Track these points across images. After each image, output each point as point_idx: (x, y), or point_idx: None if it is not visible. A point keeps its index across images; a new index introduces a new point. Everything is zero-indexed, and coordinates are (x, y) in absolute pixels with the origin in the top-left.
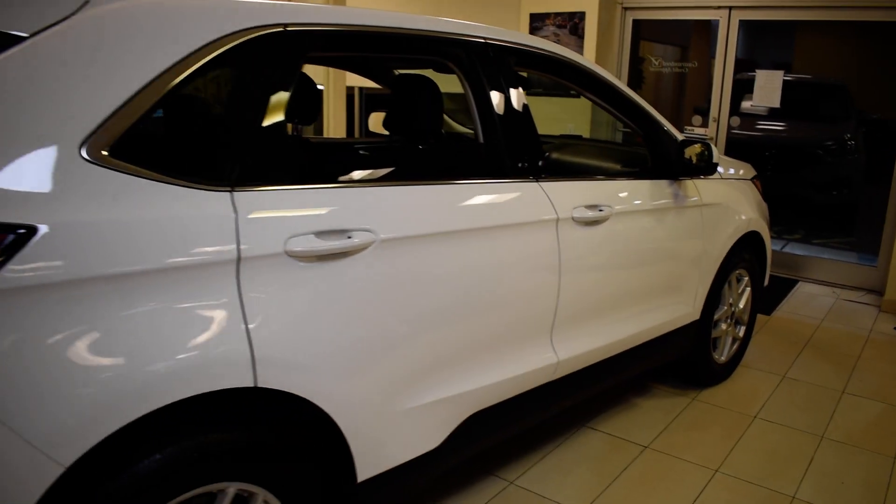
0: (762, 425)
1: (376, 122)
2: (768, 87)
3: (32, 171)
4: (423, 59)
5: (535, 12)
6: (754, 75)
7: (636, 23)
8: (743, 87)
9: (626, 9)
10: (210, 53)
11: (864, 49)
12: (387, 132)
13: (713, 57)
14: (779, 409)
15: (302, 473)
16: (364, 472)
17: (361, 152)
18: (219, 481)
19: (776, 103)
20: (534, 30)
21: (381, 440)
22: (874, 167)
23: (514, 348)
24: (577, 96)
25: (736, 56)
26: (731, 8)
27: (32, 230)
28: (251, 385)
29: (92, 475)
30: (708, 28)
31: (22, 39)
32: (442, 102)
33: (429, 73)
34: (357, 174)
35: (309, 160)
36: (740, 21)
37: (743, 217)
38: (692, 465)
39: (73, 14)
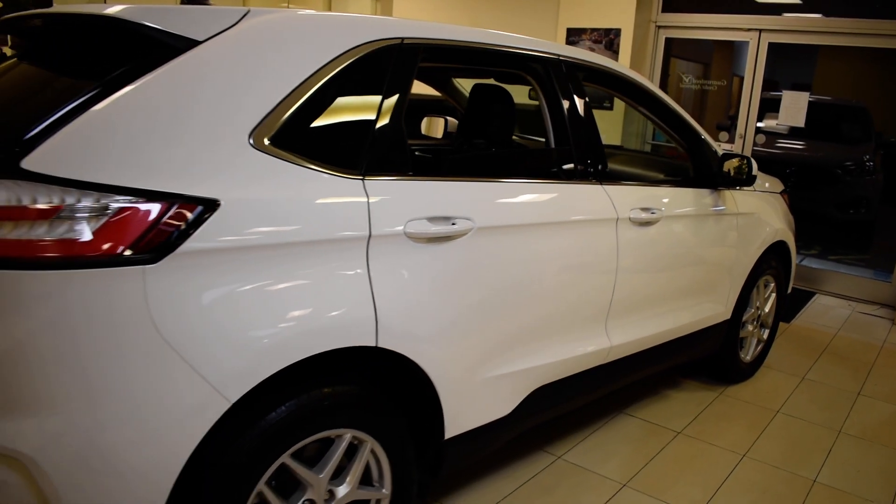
0: (784, 419)
1: (428, 126)
2: (794, 107)
3: (213, 156)
4: (507, 71)
5: (572, 27)
6: (775, 95)
7: (668, 41)
8: (764, 106)
9: (659, 27)
10: (346, 60)
11: (884, 74)
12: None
13: (734, 75)
14: (799, 406)
15: (402, 427)
16: (450, 430)
17: (462, 152)
18: (339, 427)
19: (801, 123)
20: (570, 43)
21: (466, 403)
22: (891, 188)
23: (575, 331)
24: (610, 108)
25: (756, 77)
26: (760, 31)
27: (216, 203)
28: (373, 345)
29: (249, 412)
30: (729, 48)
31: (196, 43)
32: (515, 110)
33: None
34: (460, 170)
35: (421, 156)
36: (769, 43)
37: (772, 227)
38: (722, 449)
39: (235, 24)
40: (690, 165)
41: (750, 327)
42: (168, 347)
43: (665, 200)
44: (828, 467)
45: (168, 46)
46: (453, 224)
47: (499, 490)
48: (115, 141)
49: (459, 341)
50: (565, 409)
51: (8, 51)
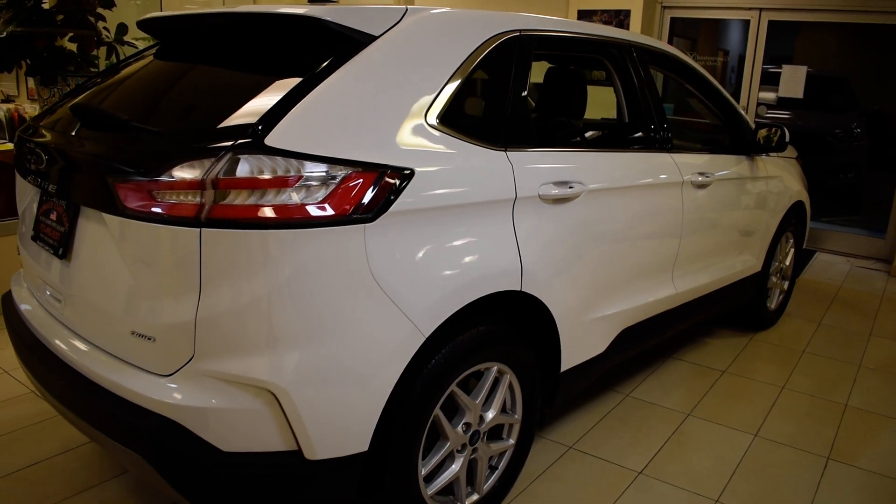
0: (810, 357)
1: None
2: (793, 80)
3: (401, 132)
4: (592, 56)
5: (583, 8)
6: (770, 68)
7: (673, 20)
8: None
9: (664, 7)
10: (483, 51)
11: (864, 48)
12: None
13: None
14: (821, 346)
15: (532, 362)
16: (565, 364)
17: (577, 129)
18: (489, 361)
19: (800, 94)
20: None
21: (577, 341)
22: (876, 154)
23: (652, 279)
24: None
25: (757, 53)
26: (761, 9)
27: (412, 172)
28: (518, 290)
29: (433, 345)
30: (714, 25)
31: (374, 38)
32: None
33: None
34: (572, 142)
35: (544, 130)
36: (769, 21)
37: (793, 189)
38: (763, 383)
39: (400, 20)
40: (727, 134)
41: (774, 279)
42: (382, 292)
43: (714, 166)
44: (855, 394)
45: (354, 41)
46: (571, 187)
47: (583, 424)
48: (331, 120)
49: (575, 286)
50: (640, 349)
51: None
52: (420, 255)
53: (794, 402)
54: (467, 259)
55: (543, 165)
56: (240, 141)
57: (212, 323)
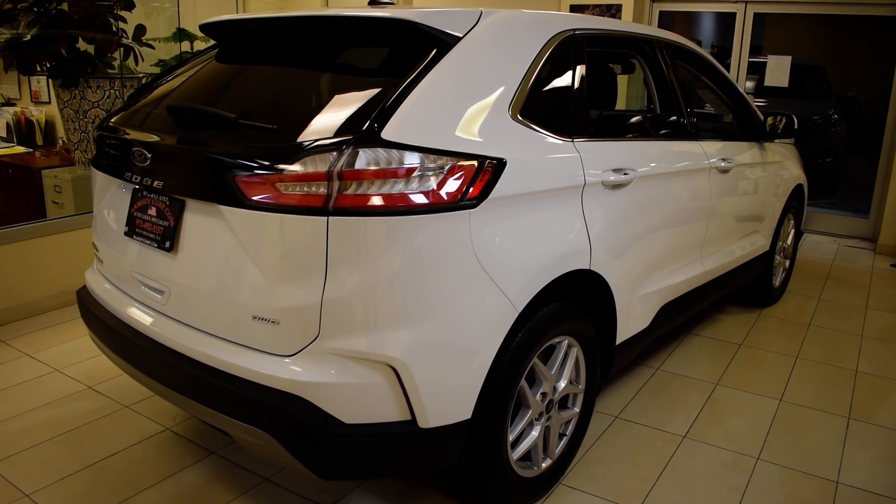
0: (816, 330)
1: None
2: (778, 70)
3: (491, 125)
4: (629, 53)
5: (575, 3)
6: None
7: (661, 14)
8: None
9: (653, 1)
10: (548, 49)
11: (832, 36)
12: None
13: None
14: (825, 320)
15: (594, 336)
16: (620, 337)
17: (624, 119)
18: (561, 335)
19: (785, 83)
20: None
21: (630, 316)
22: (852, 138)
23: (686, 257)
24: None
25: (744, 44)
26: (746, 2)
27: (504, 162)
28: (587, 268)
29: (522, 321)
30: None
31: (459, 39)
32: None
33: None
34: (624, 133)
35: (601, 122)
36: (754, 14)
37: (795, 172)
38: (778, 354)
39: (478, 22)
40: (739, 122)
41: (778, 258)
42: (484, 272)
43: (732, 152)
44: (863, 361)
45: (443, 42)
46: (626, 174)
47: (623, 396)
48: (433, 115)
49: (628, 265)
50: (674, 324)
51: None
52: (513, 238)
53: (810, 370)
54: (550, 241)
55: (603, 154)
56: (358, 135)
57: (337, 304)
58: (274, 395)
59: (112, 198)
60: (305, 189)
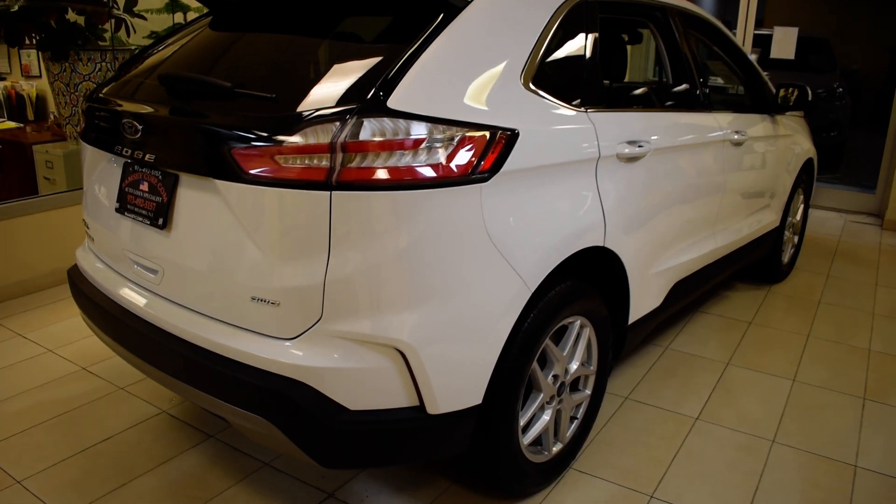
0: (827, 307)
1: None
2: (784, 42)
3: (502, 94)
4: (640, 21)
5: None
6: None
7: None
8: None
9: None
10: (559, 15)
11: (840, 9)
12: None
13: None
14: (834, 297)
15: (606, 316)
16: (633, 316)
17: (637, 89)
18: (574, 315)
19: (791, 55)
20: None
21: (642, 295)
22: (856, 112)
23: (700, 233)
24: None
25: (749, 15)
26: None
27: (517, 133)
28: (601, 245)
29: (534, 300)
30: None
31: (468, 2)
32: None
33: None
34: (638, 103)
35: (614, 92)
36: None
37: (805, 146)
38: (789, 332)
39: None
40: (750, 94)
41: (787, 234)
42: (496, 250)
43: (745, 124)
44: (876, 339)
45: (451, 6)
46: (640, 146)
47: (633, 376)
48: (442, 83)
49: (642, 242)
50: (684, 302)
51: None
52: (525, 213)
53: (822, 349)
54: (563, 217)
55: (618, 126)
56: (363, 104)
57: (340, 284)
58: (274, 381)
59: (102, 173)
60: (307, 162)
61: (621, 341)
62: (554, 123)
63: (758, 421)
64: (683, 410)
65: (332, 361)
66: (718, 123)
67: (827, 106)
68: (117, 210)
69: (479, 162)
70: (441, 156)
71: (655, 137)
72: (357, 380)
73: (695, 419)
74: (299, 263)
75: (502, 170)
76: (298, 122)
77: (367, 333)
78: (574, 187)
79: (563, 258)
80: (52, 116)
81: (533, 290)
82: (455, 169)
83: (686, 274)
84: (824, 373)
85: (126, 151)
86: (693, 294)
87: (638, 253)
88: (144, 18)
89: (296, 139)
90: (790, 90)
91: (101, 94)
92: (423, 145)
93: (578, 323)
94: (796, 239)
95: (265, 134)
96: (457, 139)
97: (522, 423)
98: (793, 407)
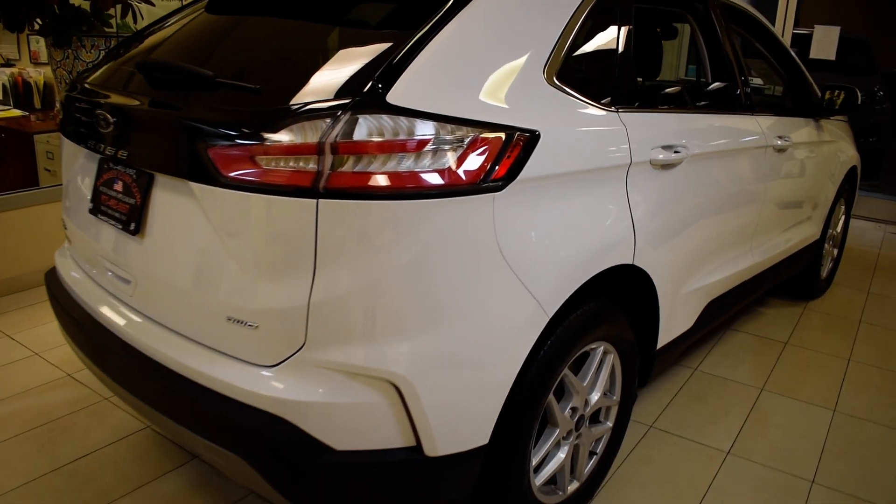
0: (869, 328)
1: None
2: (825, 41)
3: (521, 90)
4: (677, 11)
5: None
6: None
7: None
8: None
9: None
10: (589, 3)
11: (881, 8)
12: None
13: None
14: (876, 316)
15: (633, 340)
16: (662, 340)
17: (678, 87)
18: (596, 341)
19: (832, 55)
20: None
21: (673, 316)
22: None
23: (737, 249)
24: None
25: (788, 14)
26: None
27: (539, 135)
28: (630, 263)
29: (553, 326)
30: None
31: None
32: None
33: None
34: (674, 104)
35: (647, 91)
36: None
37: (850, 153)
38: (828, 356)
39: None
40: (794, 96)
41: (827, 246)
42: (509, 269)
43: (789, 129)
44: None
45: None
46: (677, 152)
47: (658, 401)
48: (451, 76)
49: (674, 259)
50: (717, 323)
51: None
52: (545, 227)
53: (864, 375)
54: (588, 232)
55: (652, 128)
56: (358, 99)
57: (328, 307)
58: (250, 415)
59: (80, 169)
60: (291, 164)
61: (648, 367)
62: (580, 124)
63: (795, 457)
64: (713, 443)
65: (316, 395)
66: (761, 127)
67: (867, 110)
68: (91, 211)
69: (492, 168)
70: (449, 160)
71: (693, 142)
72: (344, 416)
73: (725, 454)
74: (280, 282)
75: (519, 177)
76: (282, 119)
77: (356, 364)
78: (601, 198)
79: (587, 279)
80: (57, 105)
81: (551, 316)
82: (464, 175)
83: (720, 292)
84: (867, 402)
85: (100, 147)
86: (727, 314)
87: (670, 271)
88: (152, 4)
89: (279, 137)
90: (836, 92)
91: (81, 84)
92: (428, 147)
93: (602, 349)
94: (836, 252)
95: (244, 131)
96: (467, 141)
97: (535, 462)
98: (834, 441)
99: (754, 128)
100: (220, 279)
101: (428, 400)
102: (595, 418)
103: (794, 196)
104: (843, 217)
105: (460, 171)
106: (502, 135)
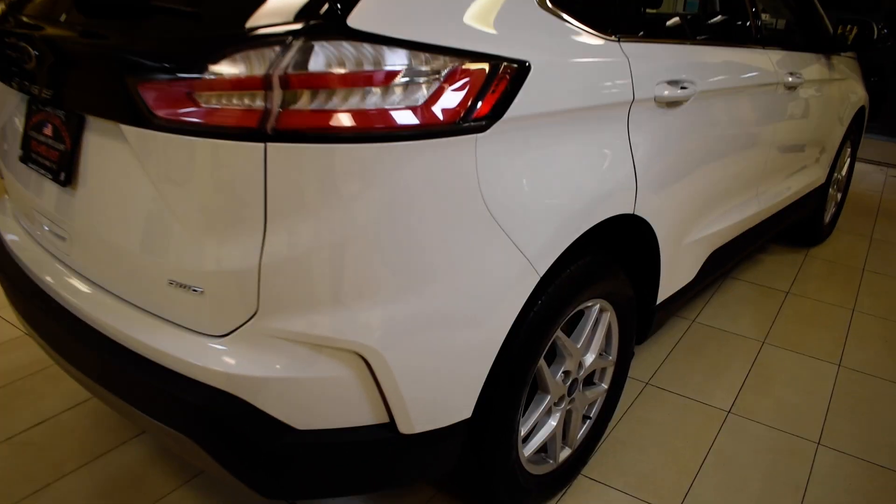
0: (872, 276)
1: None
2: None
3: (509, 14)
4: None
5: None
6: None
7: None
8: None
9: None
10: None
11: None
12: None
13: None
14: (879, 264)
15: (631, 296)
16: (662, 294)
17: (685, 16)
18: (593, 298)
19: None
20: None
21: (675, 269)
22: None
23: (741, 195)
24: None
25: None
26: None
27: (528, 66)
28: (630, 212)
29: (544, 285)
30: None
31: None
32: None
33: None
34: (681, 35)
35: (656, 20)
36: None
37: (859, 92)
38: (831, 305)
39: None
40: (804, 29)
41: (831, 191)
42: (494, 222)
43: (800, 65)
44: None
45: None
46: (684, 88)
47: (654, 356)
48: None
49: (677, 207)
50: (719, 273)
51: None
52: (534, 174)
53: (869, 327)
54: (585, 179)
55: (657, 61)
56: (313, 22)
57: (283, 268)
58: (199, 392)
59: (10, 111)
60: (235, 102)
61: (647, 323)
62: (577, 55)
63: (800, 417)
64: (713, 401)
65: (272, 370)
66: (772, 63)
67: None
68: (21, 159)
69: (474, 104)
70: (423, 95)
71: (701, 78)
72: (306, 392)
73: (726, 412)
74: (225, 240)
75: (505, 116)
76: (222, 47)
77: (319, 334)
78: (599, 141)
79: (582, 232)
80: None
81: (542, 275)
82: (441, 114)
83: (724, 241)
84: (872, 356)
85: (26, 85)
86: (730, 264)
87: (673, 220)
88: None
89: (219, 69)
90: (848, 27)
91: (3, 14)
92: (398, 80)
93: (598, 307)
94: (839, 196)
95: (178, 62)
96: (445, 73)
97: (524, 431)
98: (839, 399)
99: (765, 63)
100: (158, 237)
101: (402, 373)
102: (589, 380)
103: (803, 138)
104: (849, 160)
105: (436, 109)
106: (486, 66)
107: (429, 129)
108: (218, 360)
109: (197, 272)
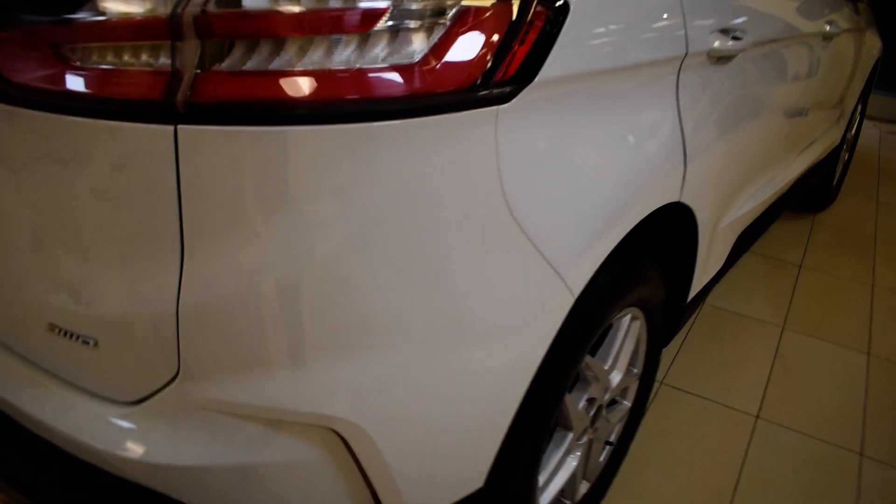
0: (887, 248)
1: None
2: None
3: None
4: None
5: None
6: None
7: None
8: None
9: None
10: None
11: None
12: None
13: None
14: (891, 231)
15: (664, 298)
16: (693, 291)
17: None
18: (626, 308)
19: None
20: None
21: (708, 259)
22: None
23: (779, 165)
24: None
25: None
26: None
27: (565, 6)
28: (677, 200)
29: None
30: None
31: None
32: None
33: None
34: None
35: None
36: None
37: (878, 43)
38: (849, 281)
39: None
40: None
41: (842, 151)
42: (520, 233)
43: (835, 10)
44: None
45: None
46: (736, 37)
47: (666, 347)
48: None
49: (719, 187)
50: (749, 246)
51: None
52: (571, 160)
53: (893, 305)
54: (631, 163)
55: (711, 5)
56: None
57: (212, 311)
58: (101, 480)
59: None
60: (125, 60)
61: (675, 323)
62: None
63: (835, 420)
64: (737, 403)
65: (205, 453)
66: (813, 8)
67: None
68: None
69: (495, 63)
70: (421, 48)
71: (755, 26)
72: (257, 486)
73: (754, 418)
74: (125, 268)
75: (538, 78)
76: None
77: (269, 406)
78: (646, 108)
79: (625, 234)
80: None
81: (578, 294)
82: (448, 76)
83: (751, 220)
84: None
85: None
86: (753, 243)
87: (713, 202)
88: None
89: (99, 7)
90: None
91: None
92: (382, 25)
93: (629, 317)
94: (846, 156)
95: (44, 5)
96: (452, 15)
97: (542, 481)
98: (875, 397)
99: (808, 8)
100: (32, 262)
101: (392, 449)
102: (612, 400)
103: (833, 96)
104: (858, 118)
105: (440, 69)
106: (510, 7)
107: (428, 101)
108: (127, 441)
109: (85, 315)
